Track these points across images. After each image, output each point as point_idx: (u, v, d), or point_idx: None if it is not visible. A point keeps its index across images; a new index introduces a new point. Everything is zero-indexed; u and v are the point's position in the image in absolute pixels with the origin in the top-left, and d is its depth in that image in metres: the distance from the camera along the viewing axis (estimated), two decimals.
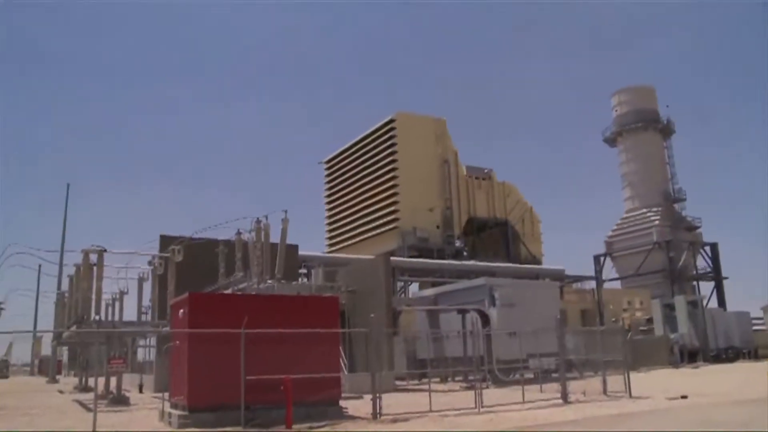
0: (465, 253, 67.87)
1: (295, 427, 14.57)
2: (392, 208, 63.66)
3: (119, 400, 24.09)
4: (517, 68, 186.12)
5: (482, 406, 17.86)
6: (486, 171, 72.22)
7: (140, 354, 46.10)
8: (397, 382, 30.78)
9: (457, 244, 67.82)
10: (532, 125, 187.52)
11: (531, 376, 26.56)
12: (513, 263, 63.24)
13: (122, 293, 32.00)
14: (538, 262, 68.94)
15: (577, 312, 53.58)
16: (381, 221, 64.73)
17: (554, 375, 24.00)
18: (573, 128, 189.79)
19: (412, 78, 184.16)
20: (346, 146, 73.16)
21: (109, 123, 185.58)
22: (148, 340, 37.85)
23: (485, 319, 32.06)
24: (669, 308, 51.26)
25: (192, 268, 29.28)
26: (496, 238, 71.43)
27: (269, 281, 27.29)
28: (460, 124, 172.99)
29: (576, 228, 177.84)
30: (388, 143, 65.92)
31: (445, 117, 70.03)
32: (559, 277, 56.64)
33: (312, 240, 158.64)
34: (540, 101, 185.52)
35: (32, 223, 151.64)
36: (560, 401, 19.39)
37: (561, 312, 29.26)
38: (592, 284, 67.46)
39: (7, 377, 67.39)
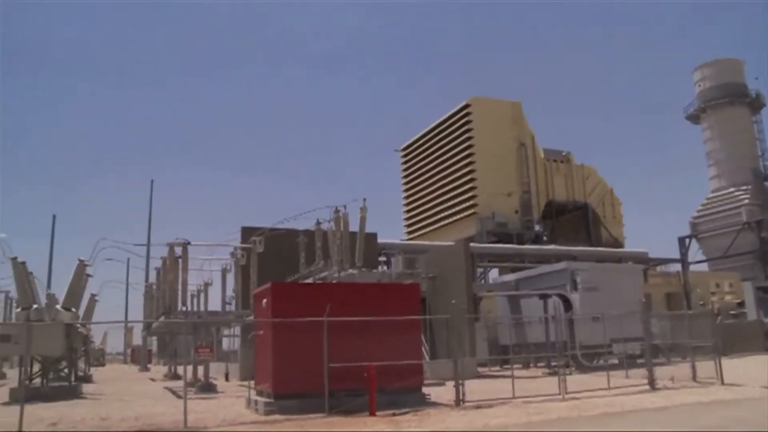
0: (544, 238, 66.86)
1: (379, 413, 14.74)
2: (470, 194, 63.22)
3: (207, 388, 24.89)
4: (593, 48, 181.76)
5: (566, 393, 17.67)
6: (564, 154, 70.83)
7: (225, 343, 47.41)
8: (479, 369, 30.72)
9: (537, 228, 66.86)
10: (610, 105, 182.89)
11: (615, 361, 26.09)
12: (594, 247, 61.95)
13: (206, 284, 32.85)
14: (620, 246, 67.24)
15: (662, 296, 51.98)
16: (459, 207, 64.38)
17: (640, 361, 23.49)
18: (653, 107, 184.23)
19: (487, 62, 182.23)
20: (422, 133, 73.01)
21: (190, 118, 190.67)
22: (232, 329, 38.83)
23: (567, 304, 31.64)
24: (762, 291, 49.21)
25: (273, 259, 29.83)
26: (575, 221, 70.04)
27: (349, 270, 27.56)
28: (536, 107, 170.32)
29: (659, 210, 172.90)
30: (464, 128, 65.40)
31: (521, 100, 69.06)
32: (642, 260, 55.14)
33: (390, 227, 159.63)
34: (618, 80, 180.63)
35: (119, 218, 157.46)
36: (647, 387, 18.97)
37: (645, 296, 28.50)
38: (678, 267, 65.23)
39: (103, 365, 70.39)
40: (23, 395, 14.56)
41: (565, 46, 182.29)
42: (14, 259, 25.09)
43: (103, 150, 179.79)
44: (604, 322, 24.77)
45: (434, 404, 16.62)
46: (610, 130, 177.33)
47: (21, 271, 25.20)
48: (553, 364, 29.19)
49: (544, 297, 32.93)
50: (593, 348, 27.40)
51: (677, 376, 20.49)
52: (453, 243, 40.93)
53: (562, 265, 34.92)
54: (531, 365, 33.77)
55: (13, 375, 41.69)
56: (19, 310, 26.35)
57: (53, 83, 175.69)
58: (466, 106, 66.04)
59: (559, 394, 17.54)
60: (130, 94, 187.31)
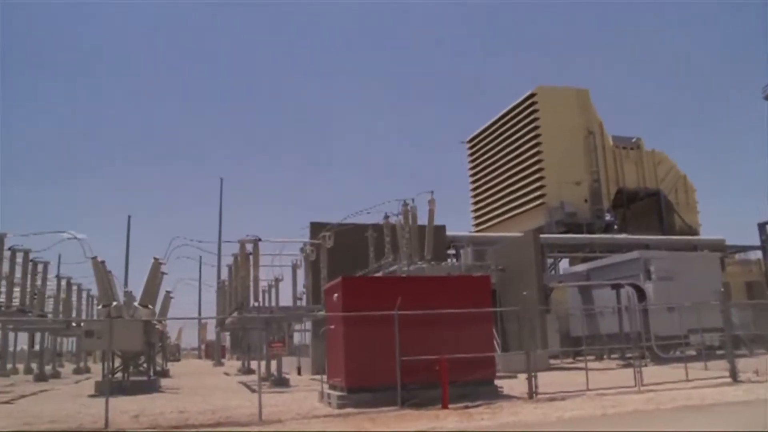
0: (615, 227, 65.52)
1: (452, 406, 14.72)
2: (538, 184, 62.52)
3: (280, 382, 25.30)
4: (661, 29, 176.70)
5: (642, 385, 17.29)
6: (634, 140, 69.19)
7: (296, 338, 48.14)
8: (551, 361, 30.38)
9: (607, 217, 65.61)
10: (682, 89, 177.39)
11: (693, 353, 25.39)
12: (667, 235, 60.38)
13: (277, 280, 33.34)
14: (695, 233, 65.37)
15: (742, 285, 50.31)
16: (527, 198, 63.76)
17: (719, 352, 22.78)
18: (728, 88, 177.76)
19: (552, 50, 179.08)
20: (488, 124, 72.53)
21: (259, 115, 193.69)
22: (303, 324, 39.34)
23: (641, 294, 30.96)
24: None
25: (342, 253, 30.07)
26: (647, 209, 68.40)
27: (419, 263, 27.59)
28: (604, 93, 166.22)
29: (737, 195, 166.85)
30: (531, 118, 64.71)
31: (587, 87, 67.77)
32: (719, 247, 53.45)
33: (458, 220, 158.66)
34: (690, 61, 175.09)
35: (191, 216, 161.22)
36: (729, 380, 18.36)
37: (723, 285, 27.67)
38: (758, 254, 62.82)
39: (179, 360, 72.43)
40: (108, 389, 15.09)
41: (631, 30, 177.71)
42: (94, 258, 26.00)
43: (173, 149, 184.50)
44: (680, 313, 24.15)
45: (507, 397, 16.50)
46: (682, 114, 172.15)
47: (101, 270, 26.10)
48: (628, 355, 28.67)
49: (616, 287, 32.29)
50: (669, 339, 26.77)
51: (762, 368, 19.71)
52: (522, 234, 40.52)
53: (634, 254, 34.18)
54: (604, 357, 33.20)
55: (96, 369, 43.32)
56: (100, 307, 27.33)
57: (126, 81, 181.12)
58: (532, 95, 65.33)
59: (635, 386, 17.18)
60: (199, 92, 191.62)
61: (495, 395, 16.48)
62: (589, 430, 11.56)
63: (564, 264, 59.73)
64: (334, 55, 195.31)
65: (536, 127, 63.80)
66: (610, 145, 67.05)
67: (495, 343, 20.89)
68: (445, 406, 14.71)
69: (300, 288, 32.73)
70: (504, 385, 17.56)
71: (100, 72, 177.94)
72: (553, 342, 33.20)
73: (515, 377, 20.68)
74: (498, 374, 18.02)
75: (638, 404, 14.37)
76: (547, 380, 18.89)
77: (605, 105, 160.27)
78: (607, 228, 63.53)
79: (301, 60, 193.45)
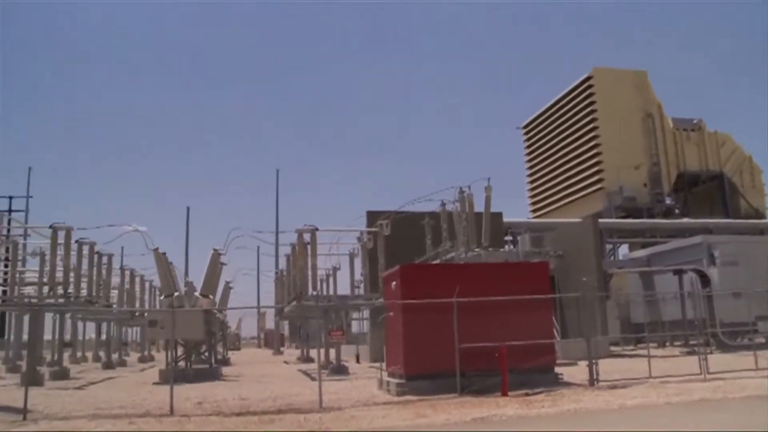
0: (677, 211, 63.92)
1: (511, 393, 14.63)
2: (596, 169, 61.44)
3: (339, 370, 25.52)
4: (720, 5, 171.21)
5: (708, 373, 16.91)
6: (695, 121, 67.24)
7: (354, 326, 48.50)
8: (612, 348, 29.95)
9: (668, 201, 64.08)
10: (743, 67, 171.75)
11: (762, 340, 24.67)
12: (732, 219, 58.67)
13: (335, 269, 33.59)
14: (762, 216, 63.31)
15: None
16: (585, 183, 62.74)
17: None
18: None
19: (607, 31, 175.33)
20: (543, 109, 71.54)
21: (313, 105, 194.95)
22: (361, 312, 39.57)
23: (704, 280, 30.23)
24: None
25: (399, 242, 30.09)
26: (710, 192, 66.53)
27: (476, 250, 27.44)
28: (662, 74, 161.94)
29: None
30: (587, 101, 63.57)
31: (645, 68, 66.19)
32: None
33: (515, 206, 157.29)
34: (749, 38, 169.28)
35: (248, 207, 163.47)
36: None
37: None
38: None
39: (239, 349, 73.65)
40: (172, 376, 15.45)
41: (689, 7, 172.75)
42: (156, 250, 26.57)
43: (229, 141, 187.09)
44: (748, 298, 23.48)
45: (567, 384, 16.33)
46: (746, 93, 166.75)
47: (162, 262, 26.67)
48: (692, 342, 28.03)
49: (678, 273, 31.61)
50: (736, 326, 26.08)
51: None
52: (580, 220, 39.94)
53: (697, 239, 33.38)
54: (666, 344, 32.55)
55: (160, 357, 44.40)
56: (162, 297, 27.96)
57: (180, 72, 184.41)
58: (588, 78, 64.17)
59: (701, 374, 16.80)
60: (254, 82, 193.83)
61: (555, 382, 16.35)
62: (653, 418, 11.36)
63: (623, 249, 58.72)
64: (386, 42, 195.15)
65: (593, 111, 62.64)
66: (670, 127, 65.37)
67: (554, 329, 20.69)
68: (504, 394, 14.64)
69: (357, 276, 32.94)
70: (564, 372, 17.38)
71: (154, 63, 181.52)
72: (614, 329, 32.73)
73: (575, 364, 20.45)
74: (557, 361, 17.83)
75: (705, 393, 14.04)
76: (608, 367, 18.62)
77: (664, 86, 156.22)
78: (668, 212, 62.06)
79: (354, 46, 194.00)
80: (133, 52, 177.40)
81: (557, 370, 17.06)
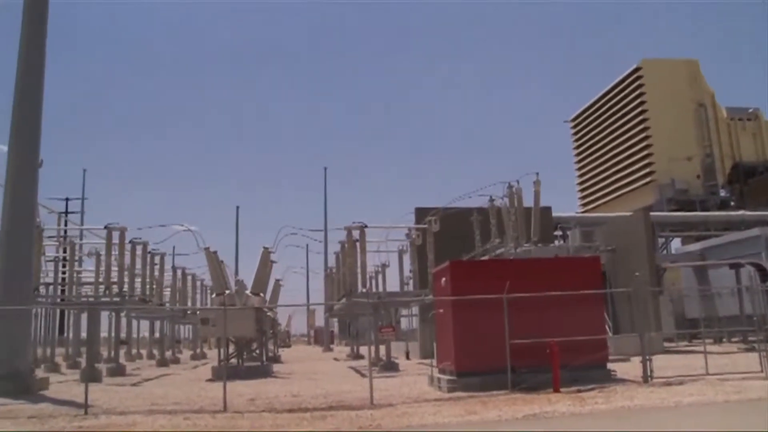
0: (732, 203, 62.42)
1: (563, 390, 14.47)
2: (647, 161, 60.41)
3: (389, 367, 25.55)
4: None
5: None
6: (750, 110, 65.47)
7: (403, 323, 48.53)
8: (666, 344, 29.40)
9: (722, 193, 62.63)
10: None
11: None
12: None
13: (384, 266, 33.67)
14: None
15: None
16: (635, 176, 61.74)
17: None
18: None
19: (655, 22, 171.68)
20: (591, 102, 70.63)
21: (361, 103, 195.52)
22: (410, 309, 39.57)
23: (763, 273, 29.44)
24: None
25: (448, 238, 30.01)
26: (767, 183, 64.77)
27: (525, 245, 27.23)
28: (715, 63, 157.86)
29: None
30: (637, 93, 62.50)
31: (697, 58, 64.69)
32: None
33: (564, 200, 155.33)
34: None
35: (297, 205, 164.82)
36: None
37: None
38: None
39: (289, 346, 74.34)
40: (224, 373, 15.67)
41: None
42: (207, 249, 27.00)
43: (276, 141, 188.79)
44: None
45: (620, 381, 16.08)
46: None
47: (213, 260, 27.07)
48: (751, 339, 27.33)
49: (735, 266, 30.84)
50: None
51: None
52: (631, 213, 39.30)
53: (755, 231, 32.56)
54: (723, 340, 31.82)
55: (212, 355, 45.14)
56: (213, 296, 28.38)
57: (228, 74, 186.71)
58: (637, 69, 63.15)
59: (761, 371, 16.32)
60: (302, 82, 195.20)
61: (608, 379, 16.11)
62: (711, 416, 11.11)
63: (676, 243, 57.64)
64: (431, 36, 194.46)
65: (643, 102, 61.63)
66: (723, 117, 63.83)
67: (606, 325, 20.41)
68: (556, 390, 14.50)
69: (407, 273, 32.97)
70: (616, 368, 17.12)
71: (203, 63, 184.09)
72: (667, 324, 32.12)
73: (628, 360, 20.15)
74: (610, 357, 17.58)
75: (765, 391, 13.65)
76: (662, 363, 18.29)
77: (718, 76, 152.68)
78: (723, 205, 60.63)
79: (400, 41, 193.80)
80: (182, 52, 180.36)
81: (609, 366, 16.81)
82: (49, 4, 20.63)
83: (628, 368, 17.91)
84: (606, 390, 14.51)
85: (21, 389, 17.71)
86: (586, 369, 15.64)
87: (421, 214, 33.65)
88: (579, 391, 14.43)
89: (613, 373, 16.56)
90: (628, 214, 40.62)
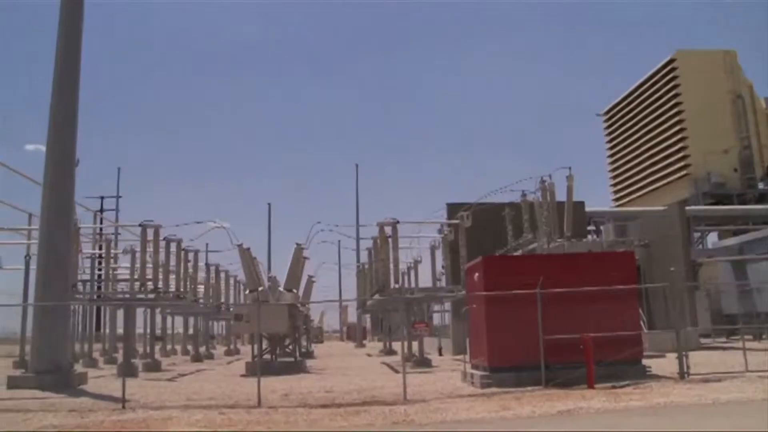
0: None
1: (597, 386, 14.37)
2: (681, 154, 59.47)
3: (422, 362, 25.57)
4: None
5: None
6: None
7: (436, 318, 48.46)
8: (702, 340, 29.00)
9: (761, 186, 61.28)
10: None
11: None
12: None
13: (416, 261, 33.66)
14: None
15: None
16: (670, 169, 60.82)
17: None
18: None
19: (689, 12, 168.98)
20: (624, 94, 69.71)
21: (389, 99, 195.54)
22: (443, 305, 39.51)
23: None
24: None
25: (480, 233, 29.93)
26: None
27: (558, 240, 27.04)
28: (753, 54, 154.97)
29: None
30: (670, 85, 61.55)
31: (734, 48, 63.44)
32: None
33: (596, 195, 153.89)
34: None
35: (328, 202, 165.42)
36: None
37: None
38: None
39: (322, 342, 74.66)
40: (259, 369, 15.83)
41: None
42: (240, 245, 27.20)
43: (307, 137, 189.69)
44: None
45: (656, 377, 15.92)
46: None
47: (246, 257, 27.28)
48: None
49: None
50: None
51: None
52: (665, 207, 38.79)
53: None
54: (763, 336, 31.29)
55: (245, 350, 45.49)
56: (247, 292, 28.62)
57: (261, 75, 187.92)
58: (671, 60, 62.12)
59: None
60: (333, 78, 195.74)
61: (643, 375, 15.96)
62: (751, 414, 10.92)
63: (712, 238, 56.74)
64: (463, 32, 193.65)
65: (677, 95, 60.60)
66: (762, 108, 62.48)
67: (641, 321, 20.19)
68: (590, 386, 14.41)
69: (439, 269, 32.93)
70: (652, 364, 16.96)
71: (232, 61, 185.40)
72: (703, 320, 31.67)
73: (663, 356, 19.92)
74: (645, 353, 17.40)
75: None
76: (698, 360, 18.05)
77: (756, 67, 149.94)
78: (761, 198, 59.42)
79: (428, 36, 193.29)
80: (213, 49, 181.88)
81: (644, 362, 16.65)
82: (84, 5, 20.96)
83: (663, 364, 17.71)
84: (641, 386, 14.38)
85: (62, 383, 18.11)
86: (621, 365, 15.53)
87: (453, 209, 33.56)
88: (613, 387, 14.32)
89: (648, 369, 16.41)
90: (662, 208, 40.10)
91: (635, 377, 15.46)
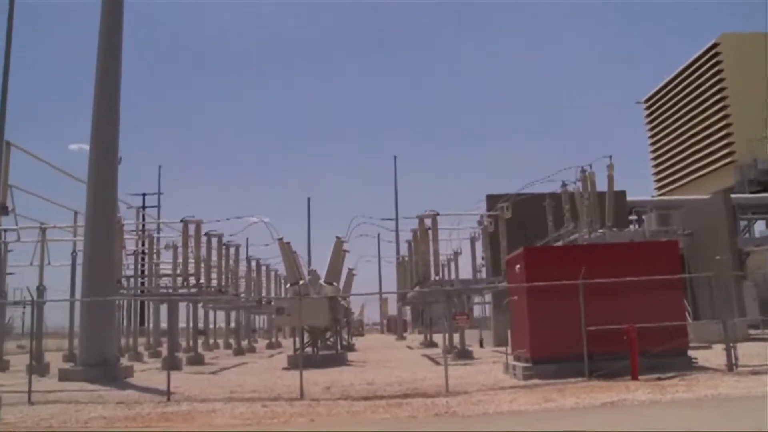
0: None
1: (642, 377, 14.17)
2: (726, 141, 58.26)
3: (463, 354, 25.50)
4: None
5: None
6: None
7: (476, 310, 48.27)
8: (750, 331, 28.41)
9: None
10: None
11: None
12: None
13: (456, 253, 33.54)
14: None
15: None
16: (714, 156, 59.67)
17: None
18: None
19: None
20: (665, 81, 68.56)
21: (429, 91, 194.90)
22: (483, 296, 39.35)
23: None
24: None
25: (520, 224, 29.70)
26: None
27: (600, 230, 26.70)
28: None
29: None
30: (715, 69, 60.30)
31: None
32: None
33: (637, 184, 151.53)
34: None
35: (367, 195, 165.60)
36: None
37: None
38: None
39: (362, 335, 74.88)
40: (301, 362, 15.95)
41: None
42: (280, 239, 27.36)
43: (345, 130, 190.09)
44: None
45: (702, 369, 15.62)
46: None
47: (287, 251, 27.44)
48: None
49: None
50: None
51: None
52: (710, 195, 38.04)
53: None
54: None
55: (286, 344, 45.90)
56: (288, 286, 28.81)
57: (297, 69, 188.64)
58: (715, 45, 60.84)
59: None
60: (371, 71, 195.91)
61: (688, 367, 15.67)
62: None
63: (760, 226, 55.49)
64: (500, 20, 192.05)
65: (722, 80, 59.39)
66: None
67: (686, 311, 19.87)
68: (634, 378, 14.21)
69: (479, 260, 32.79)
70: (697, 356, 16.64)
71: (268, 56, 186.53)
72: (751, 310, 31.00)
73: (710, 348, 19.57)
74: (690, 344, 17.09)
75: None
76: (747, 351, 17.68)
77: None
78: None
79: (467, 28, 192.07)
80: (250, 45, 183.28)
81: (690, 353, 16.36)
82: (123, 5, 21.26)
83: (709, 356, 17.38)
84: (687, 378, 14.14)
85: (108, 376, 18.52)
86: (666, 356, 15.27)
87: (492, 201, 33.36)
88: (659, 379, 14.11)
89: (694, 360, 16.12)
90: (706, 196, 39.33)
91: (681, 369, 15.20)
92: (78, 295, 25.86)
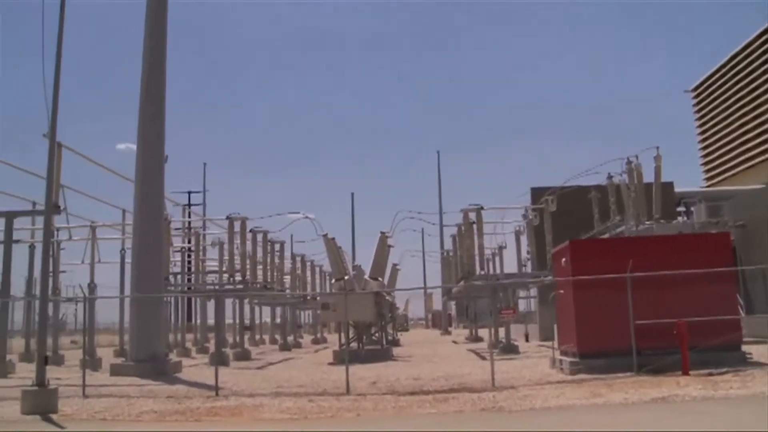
0: None
1: (693, 373, 13.88)
2: None
3: (509, 349, 25.35)
4: None
5: None
6: None
7: (521, 304, 47.88)
8: None
9: None
10: None
11: None
12: None
13: (501, 247, 33.27)
14: None
15: None
16: (766, 146, 58.05)
17: None
18: None
19: None
20: (715, 68, 66.77)
21: (472, 84, 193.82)
22: (528, 290, 39.03)
23: None
24: None
25: (566, 217, 29.34)
26: None
27: (647, 223, 26.23)
28: None
29: None
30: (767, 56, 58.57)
31: None
32: None
33: (686, 175, 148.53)
34: None
35: (411, 189, 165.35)
36: None
37: None
38: None
39: (407, 330, 74.94)
40: (347, 357, 16.00)
41: None
42: (325, 235, 27.52)
43: (388, 125, 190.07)
44: None
45: (757, 364, 15.17)
46: None
47: (332, 246, 27.58)
48: None
49: None
50: None
51: None
52: (763, 186, 37.04)
53: None
54: None
55: (332, 339, 46.16)
56: (333, 281, 28.97)
57: (340, 66, 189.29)
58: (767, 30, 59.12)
59: None
60: (413, 66, 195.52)
61: (742, 362, 15.25)
62: None
63: None
64: (543, 11, 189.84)
65: None
66: None
67: (738, 305, 19.39)
68: (685, 373, 13.93)
69: (524, 254, 32.51)
70: (752, 351, 16.17)
71: (312, 56, 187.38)
72: None
73: (765, 343, 19.04)
74: (744, 339, 16.66)
75: None
76: None
77: None
78: None
79: (509, 20, 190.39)
80: (291, 44, 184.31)
81: (744, 348, 15.94)
82: (168, 4, 21.56)
83: (765, 351, 16.92)
84: (741, 374, 13.77)
85: (158, 372, 18.88)
86: (717, 351, 14.90)
87: (537, 193, 33.03)
88: (711, 374, 13.80)
89: (748, 356, 15.67)
90: (760, 186, 38.30)
91: (734, 364, 14.83)
92: (127, 292, 26.40)
